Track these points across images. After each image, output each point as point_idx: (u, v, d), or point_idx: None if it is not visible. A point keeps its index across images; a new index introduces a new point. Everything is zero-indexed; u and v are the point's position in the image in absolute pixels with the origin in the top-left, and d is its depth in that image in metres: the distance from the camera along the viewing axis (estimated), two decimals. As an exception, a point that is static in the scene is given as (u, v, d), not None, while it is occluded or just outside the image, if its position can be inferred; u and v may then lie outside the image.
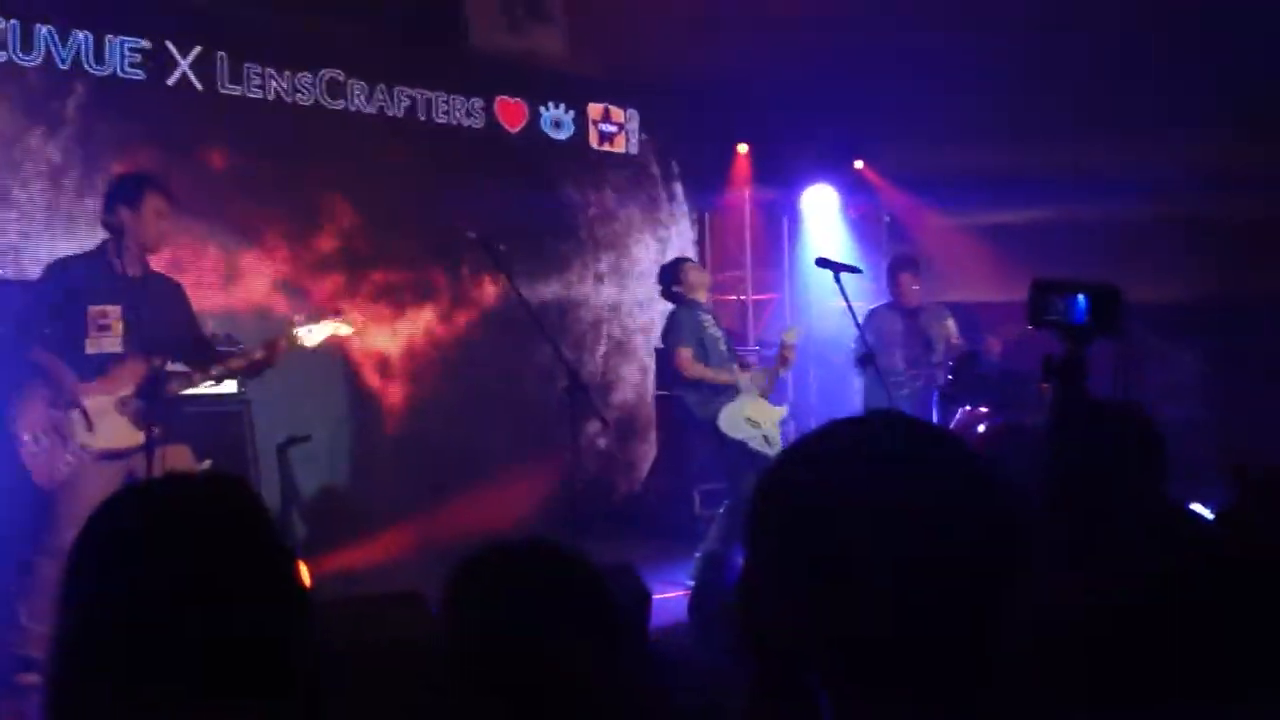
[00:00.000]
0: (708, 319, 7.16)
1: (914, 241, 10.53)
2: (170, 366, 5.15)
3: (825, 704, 1.18)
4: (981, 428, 7.09)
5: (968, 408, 7.24)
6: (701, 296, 7.23)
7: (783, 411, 7.14)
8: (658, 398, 9.46)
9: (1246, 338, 9.74)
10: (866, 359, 7.03)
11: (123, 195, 5.11)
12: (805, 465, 1.22)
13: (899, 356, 7.53)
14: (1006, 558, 1.19)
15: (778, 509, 1.21)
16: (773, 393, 7.19)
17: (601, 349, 9.74)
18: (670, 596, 6.33)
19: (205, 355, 5.32)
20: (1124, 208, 10.08)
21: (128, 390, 5.00)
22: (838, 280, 6.97)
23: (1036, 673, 1.57)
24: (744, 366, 7.25)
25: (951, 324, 7.77)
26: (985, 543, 1.17)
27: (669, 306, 7.31)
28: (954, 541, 1.14)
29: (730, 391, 6.98)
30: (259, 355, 5.18)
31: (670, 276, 7.32)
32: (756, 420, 6.94)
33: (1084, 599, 1.63)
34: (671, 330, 7.15)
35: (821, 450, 1.22)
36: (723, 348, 7.13)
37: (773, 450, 6.70)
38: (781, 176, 10.36)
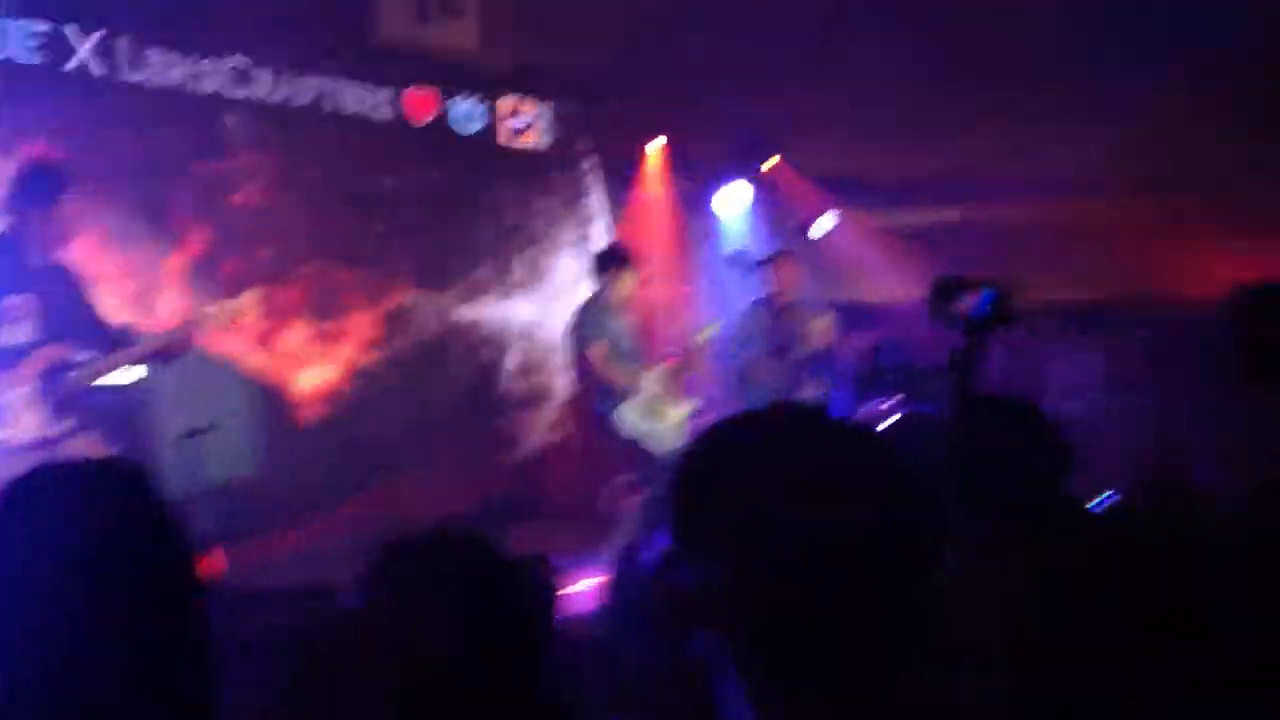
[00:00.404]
0: (615, 318, 7.11)
1: (825, 240, 10.64)
2: (78, 356, 5.03)
3: (742, 687, 1.19)
4: (891, 420, 7.19)
5: (879, 401, 7.32)
6: (616, 300, 7.14)
7: (686, 410, 7.11)
8: (574, 391, 9.45)
9: (1151, 337, 10.01)
10: (780, 351, 7.07)
11: (37, 194, 4.99)
12: (725, 452, 1.23)
13: (759, 350, 7.54)
14: (924, 543, 1.21)
15: (697, 496, 1.22)
16: (681, 390, 7.18)
17: (516, 342, 9.69)
18: (585, 588, 6.33)
19: (108, 341, 5.20)
20: (1032, 209, 10.32)
21: (38, 382, 4.87)
22: (750, 277, 7.02)
23: (953, 660, 1.58)
24: (648, 364, 7.23)
25: (823, 323, 7.72)
26: (905, 527, 1.19)
27: (583, 297, 7.26)
28: (876, 528, 1.16)
29: (631, 387, 6.97)
30: (167, 342, 5.07)
31: (610, 263, 7.17)
32: (654, 419, 6.91)
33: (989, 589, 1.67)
34: (582, 324, 7.09)
35: (742, 437, 1.24)
36: (627, 344, 7.11)
37: (669, 450, 6.67)
38: (696, 172, 10.40)
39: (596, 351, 6.95)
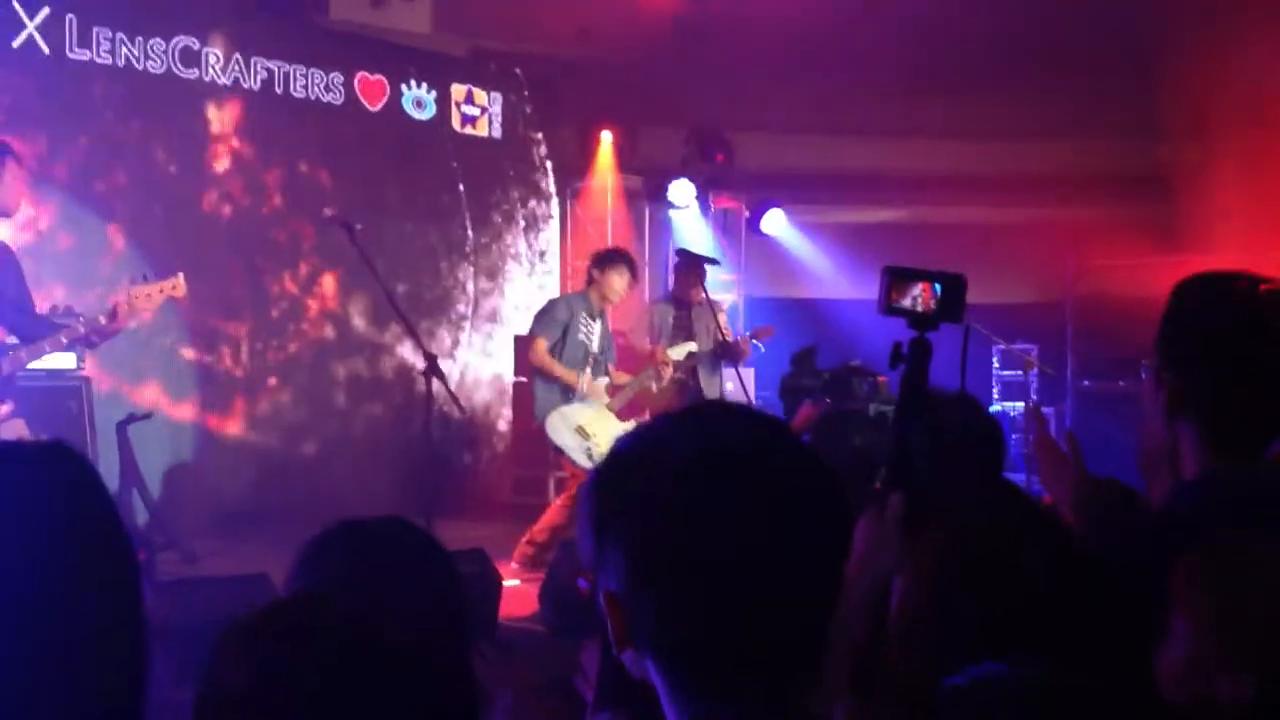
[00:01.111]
0: (588, 321, 7.00)
1: (771, 237, 10.71)
2: (9, 338, 4.97)
3: (668, 696, 1.18)
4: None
5: (809, 401, 7.36)
6: (597, 298, 7.01)
7: (627, 427, 6.96)
8: (516, 384, 9.45)
9: (1085, 337, 10.17)
10: (732, 352, 7.07)
11: None
12: (643, 457, 1.20)
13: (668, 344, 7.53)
14: (845, 543, 1.20)
15: (616, 502, 1.19)
16: (625, 403, 7.05)
17: (464, 332, 9.67)
18: (521, 582, 6.35)
19: (39, 325, 5.13)
20: (973, 209, 10.44)
21: None
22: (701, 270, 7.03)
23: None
24: (605, 372, 7.11)
25: (722, 319, 7.76)
26: (828, 528, 1.18)
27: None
28: (800, 530, 1.15)
29: (571, 394, 6.90)
30: (102, 321, 5.01)
31: (602, 264, 7.05)
32: (589, 432, 6.76)
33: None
34: (541, 316, 7.02)
35: (660, 441, 1.20)
36: (593, 348, 7.00)
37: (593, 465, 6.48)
38: (645, 165, 10.42)
39: (539, 345, 6.89)
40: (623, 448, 1.22)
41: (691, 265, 7.64)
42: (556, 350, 6.91)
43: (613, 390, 7.04)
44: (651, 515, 1.15)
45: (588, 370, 6.95)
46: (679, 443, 1.19)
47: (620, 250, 7.39)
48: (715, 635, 1.13)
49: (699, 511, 1.13)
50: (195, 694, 1.39)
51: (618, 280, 7.01)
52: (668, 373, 7.04)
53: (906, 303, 2.33)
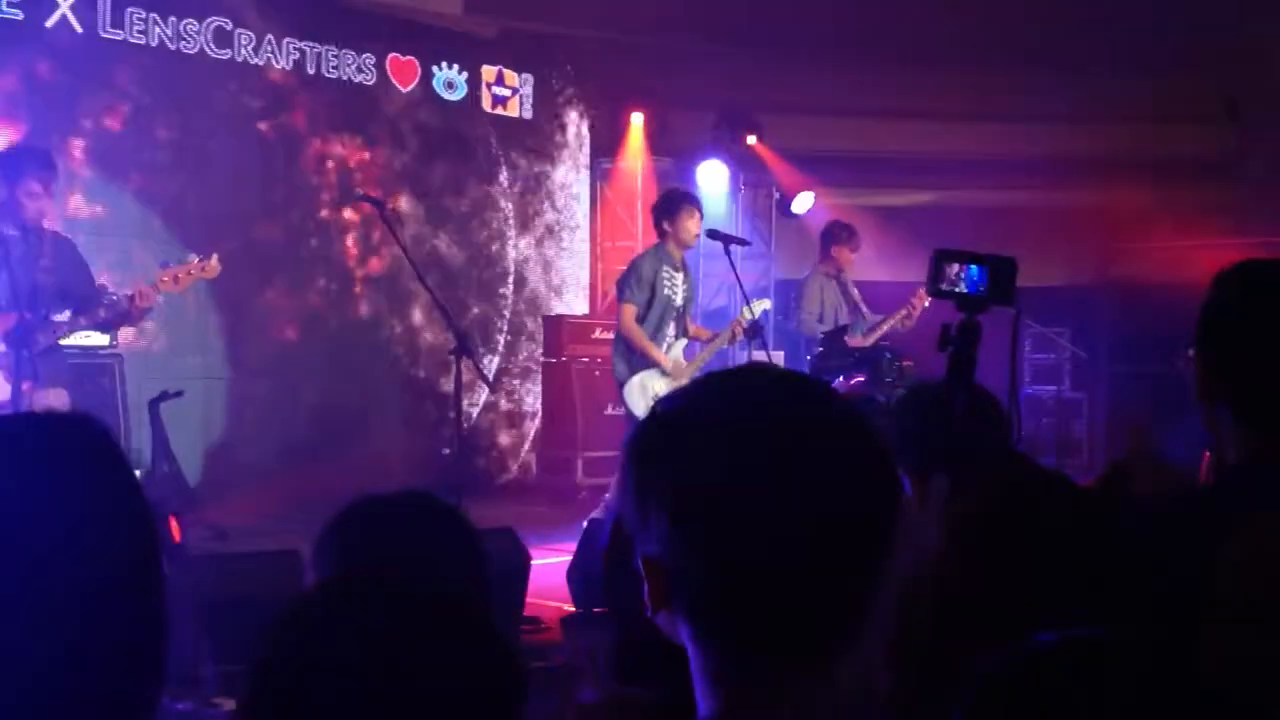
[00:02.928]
0: (671, 273, 6.81)
1: (801, 218, 10.66)
2: (56, 317, 5.05)
3: (697, 662, 1.15)
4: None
5: (840, 379, 7.30)
6: (674, 247, 6.80)
7: None
8: (545, 364, 9.45)
9: (1118, 321, 10.08)
10: (753, 330, 6.99)
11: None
12: (686, 417, 1.16)
13: (846, 319, 7.51)
14: (893, 515, 1.15)
15: (658, 462, 1.15)
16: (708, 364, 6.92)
17: (500, 311, 9.67)
18: (551, 562, 6.36)
19: (96, 304, 5.21)
20: (1006, 193, 10.36)
21: (3, 344, 4.88)
22: (727, 252, 6.97)
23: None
24: (686, 333, 6.96)
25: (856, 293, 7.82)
26: (875, 498, 1.14)
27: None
28: (846, 496, 1.11)
29: (652, 360, 6.73)
30: (124, 306, 5.07)
31: (665, 210, 6.84)
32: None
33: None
34: (627, 278, 6.80)
35: (703, 400, 1.17)
36: (678, 302, 6.81)
37: None
38: (675, 146, 10.38)
39: (629, 313, 6.70)
40: (665, 407, 1.19)
41: (851, 233, 7.59)
42: (645, 310, 6.71)
43: (696, 341, 6.95)
44: (692, 476, 1.12)
45: (677, 347, 6.83)
46: (722, 402, 1.16)
47: (680, 190, 7.08)
48: (753, 601, 1.10)
49: (741, 473, 1.10)
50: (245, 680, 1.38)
51: (690, 222, 6.76)
52: (740, 332, 6.82)
53: (956, 285, 2.30)
